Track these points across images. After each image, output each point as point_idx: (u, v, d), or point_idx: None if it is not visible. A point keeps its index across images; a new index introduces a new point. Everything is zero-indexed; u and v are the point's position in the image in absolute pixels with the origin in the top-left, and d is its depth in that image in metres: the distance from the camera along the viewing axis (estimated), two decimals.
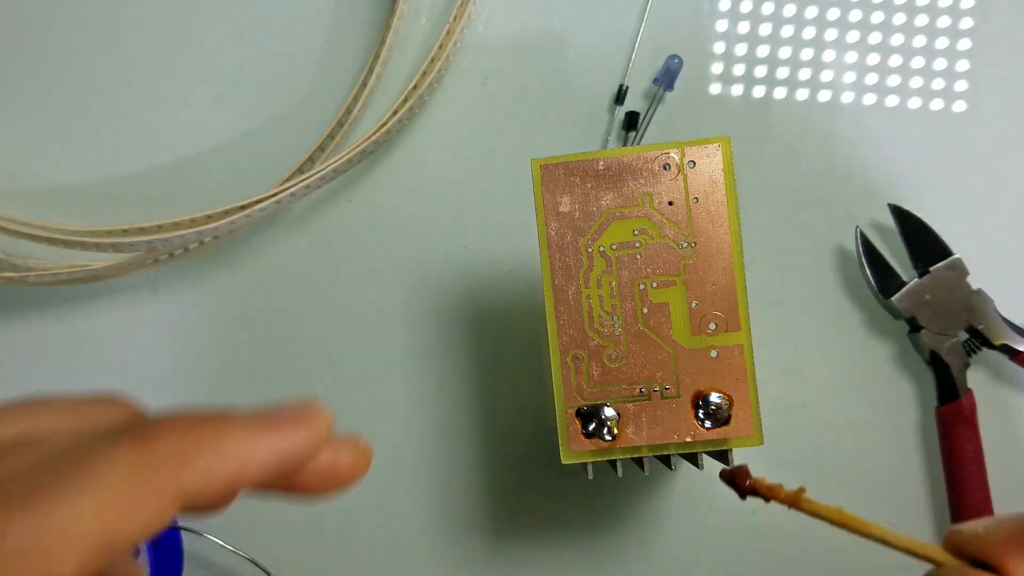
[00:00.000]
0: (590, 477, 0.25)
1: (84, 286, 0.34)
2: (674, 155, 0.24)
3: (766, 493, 0.19)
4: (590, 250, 0.24)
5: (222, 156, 0.36)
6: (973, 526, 0.18)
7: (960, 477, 0.31)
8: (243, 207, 0.33)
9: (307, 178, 0.33)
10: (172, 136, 0.36)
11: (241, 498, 0.17)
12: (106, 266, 0.33)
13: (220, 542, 0.32)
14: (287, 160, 0.35)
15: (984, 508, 0.30)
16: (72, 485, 0.15)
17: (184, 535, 0.33)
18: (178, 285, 0.35)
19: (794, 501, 0.19)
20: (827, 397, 0.32)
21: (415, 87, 0.34)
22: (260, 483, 0.17)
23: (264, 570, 0.32)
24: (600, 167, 0.24)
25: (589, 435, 0.24)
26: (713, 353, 0.24)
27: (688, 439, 0.24)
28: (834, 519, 0.19)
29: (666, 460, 0.25)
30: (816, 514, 0.19)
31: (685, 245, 0.24)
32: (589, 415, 0.24)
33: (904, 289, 0.32)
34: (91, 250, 0.33)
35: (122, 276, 0.34)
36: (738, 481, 0.20)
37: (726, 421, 0.24)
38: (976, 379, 0.32)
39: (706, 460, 0.25)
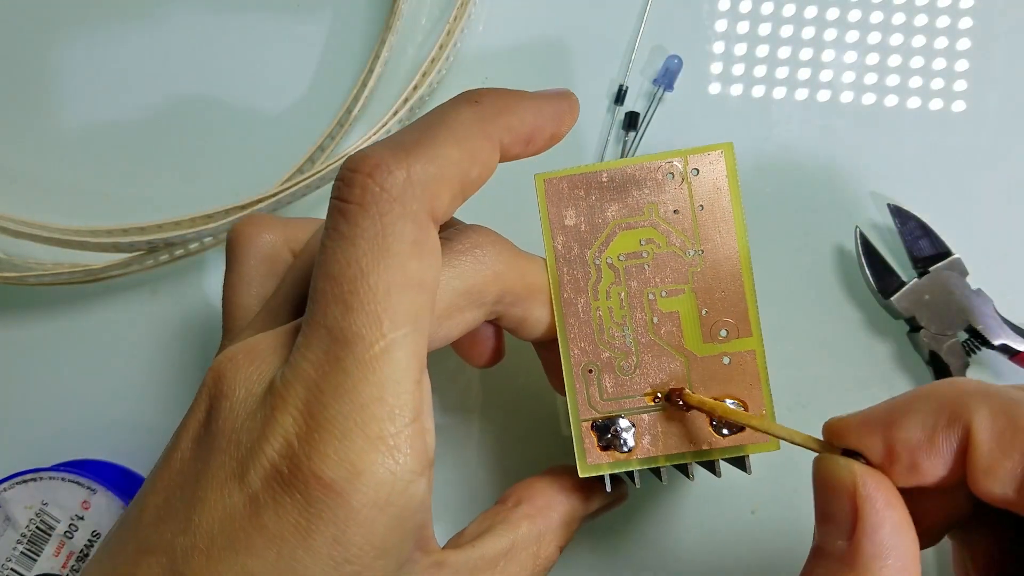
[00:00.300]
0: (608, 489, 0.25)
1: (84, 286, 0.34)
2: (677, 163, 0.24)
3: (697, 406, 0.24)
4: (597, 262, 0.24)
5: (222, 156, 0.36)
6: (840, 416, 0.21)
7: None
8: (243, 207, 0.33)
9: (307, 178, 0.33)
10: (172, 136, 0.36)
11: None
12: (106, 266, 0.33)
13: None
14: (287, 160, 0.35)
15: None
16: (441, 137, 0.20)
17: None
18: (178, 285, 0.35)
19: (712, 409, 0.23)
20: (827, 397, 0.33)
21: (415, 87, 0.34)
22: (541, 136, 0.22)
23: None
24: (604, 179, 0.24)
25: (605, 447, 0.24)
26: (726, 360, 0.24)
27: (705, 447, 0.24)
28: (743, 421, 0.23)
29: (684, 469, 0.25)
30: (727, 417, 0.23)
31: (692, 253, 0.24)
32: (604, 427, 0.24)
33: (904, 289, 0.32)
34: (91, 250, 0.33)
35: (122, 276, 0.34)
36: (673, 400, 0.24)
37: (742, 428, 0.24)
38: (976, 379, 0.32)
39: (724, 467, 0.25)
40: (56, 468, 0.31)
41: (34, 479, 0.31)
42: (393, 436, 0.18)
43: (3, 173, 0.36)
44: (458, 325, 0.22)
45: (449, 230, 0.23)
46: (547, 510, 0.25)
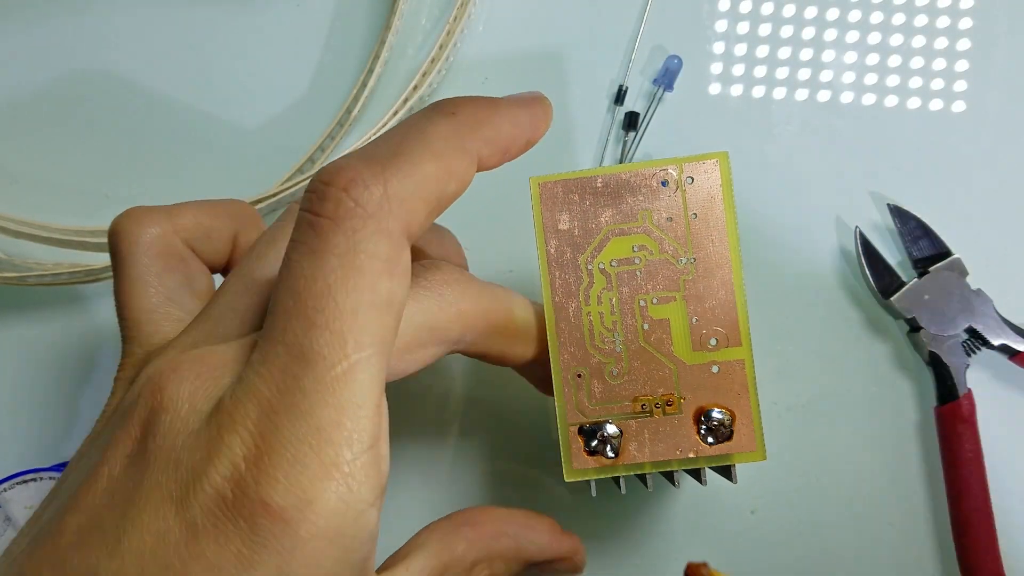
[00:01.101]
0: (593, 495, 0.25)
1: (84, 286, 0.35)
2: (672, 171, 0.24)
3: None
4: (590, 267, 0.24)
5: (222, 156, 0.36)
6: None
7: (959, 477, 0.31)
8: None
9: (307, 178, 0.33)
10: (172, 136, 0.36)
11: None
12: (106, 266, 0.33)
13: None
14: (287, 160, 0.35)
15: (983, 508, 0.30)
16: (419, 152, 0.19)
17: None
18: None
19: None
20: (826, 397, 0.32)
21: (415, 87, 0.34)
22: (517, 145, 0.22)
23: None
24: (599, 184, 0.24)
25: (592, 452, 0.24)
26: (714, 369, 0.24)
27: (691, 455, 0.24)
28: None
29: (670, 476, 0.25)
30: None
31: (685, 261, 0.24)
32: (591, 432, 0.24)
33: (903, 289, 0.32)
34: (91, 250, 0.33)
35: None
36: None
37: (729, 437, 0.24)
38: (976, 379, 0.32)
39: (710, 475, 0.25)
40: (56, 468, 0.31)
41: (34, 479, 0.31)
42: (349, 463, 0.17)
43: (3, 173, 0.36)
44: (417, 360, 0.22)
45: (415, 264, 0.21)
46: (491, 540, 0.24)
